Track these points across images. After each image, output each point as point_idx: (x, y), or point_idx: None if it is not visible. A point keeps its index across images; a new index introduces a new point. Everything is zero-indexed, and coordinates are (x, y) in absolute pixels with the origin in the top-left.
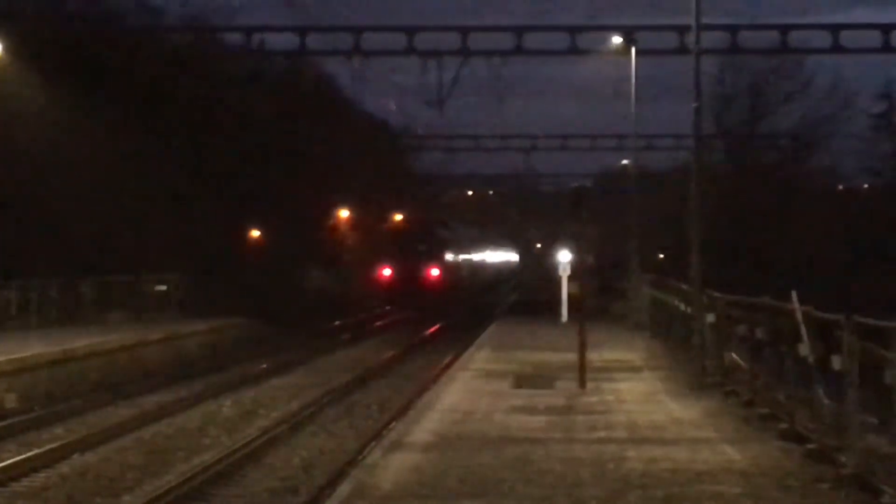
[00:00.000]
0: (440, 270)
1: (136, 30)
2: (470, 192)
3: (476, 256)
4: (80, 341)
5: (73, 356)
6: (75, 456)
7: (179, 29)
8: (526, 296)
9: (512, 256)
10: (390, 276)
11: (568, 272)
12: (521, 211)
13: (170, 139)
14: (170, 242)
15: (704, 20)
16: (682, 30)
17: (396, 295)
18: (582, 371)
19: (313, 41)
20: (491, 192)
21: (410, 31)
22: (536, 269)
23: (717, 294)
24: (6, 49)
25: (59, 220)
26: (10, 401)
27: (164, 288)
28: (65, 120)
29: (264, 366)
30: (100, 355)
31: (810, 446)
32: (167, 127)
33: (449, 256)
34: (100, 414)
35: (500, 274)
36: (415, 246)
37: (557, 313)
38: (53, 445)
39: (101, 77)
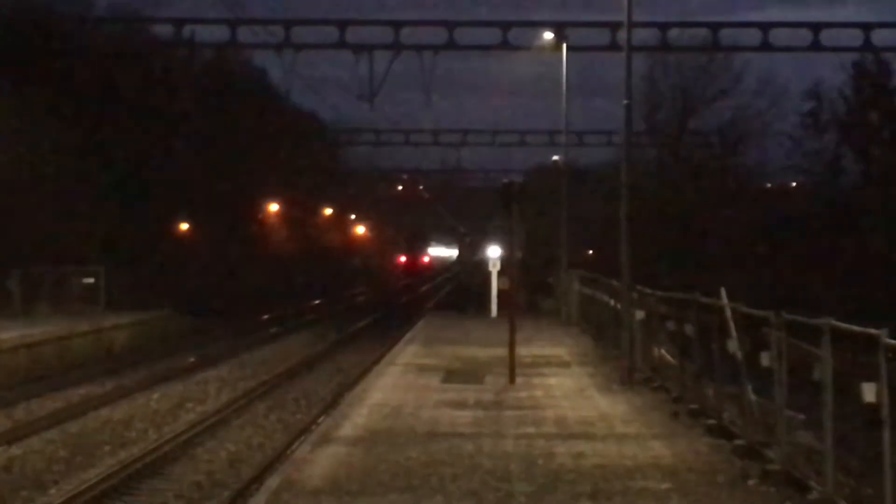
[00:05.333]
0: (429, 259)
1: (65, 20)
2: (400, 187)
3: (435, 251)
4: (6, 334)
5: None
6: (0, 449)
7: (109, 20)
8: (457, 290)
9: (454, 252)
10: (405, 261)
11: (498, 267)
12: (451, 206)
13: (97, 131)
14: (97, 235)
15: (635, 17)
16: (613, 26)
17: (407, 272)
18: (512, 366)
19: (244, 34)
20: (421, 188)
21: (342, 24)
22: (470, 264)
23: (646, 290)
24: None
25: None
26: None
27: (91, 281)
28: None
29: (192, 359)
30: (26, 348)
31: (738, 442)
32: (94, 119)
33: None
34: (26, 407)
35: (450, 263)
36: (415, 244)
37: (488, 308)
38: None
39: (30, 67)
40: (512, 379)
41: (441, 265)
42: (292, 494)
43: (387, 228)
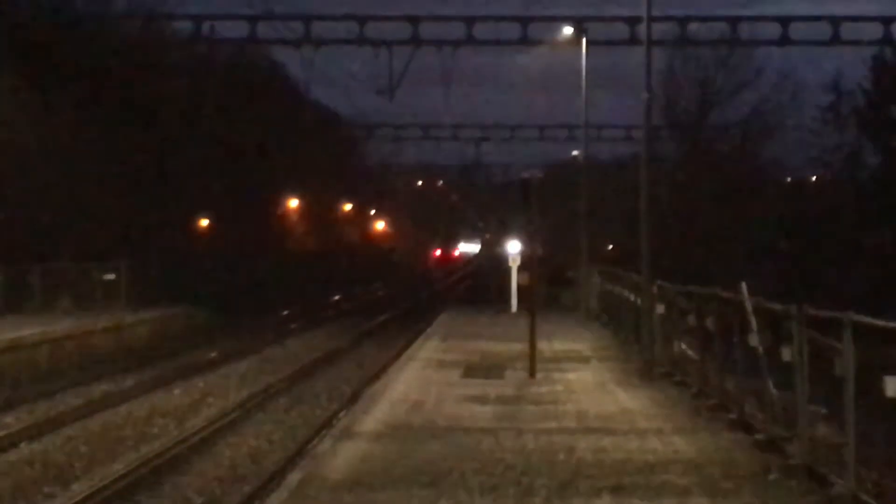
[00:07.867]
0: (460, 253)
1: (85, 17)
2: (420, 182)
3: (462, 247)
4: (28, 329)
5: (21, 344)
6: (23, 444)
7: (129, 16)
8: (477, 285)
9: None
10: (439, 255)
11: (518, 262)
12: (472, 202)
13: (118, 127)
14: (119, 231)
15: (654, 12)
16: (632, 21)
17: (440, 264)
18: (532, 361)
19: (263, 29)
20: (441, 183)
21: (361, 19)
22: (489, 259)
23: (666, 284)
24: None
25: (5, 207)
26: None
27: (112, 276)
28: (12, 106)
29: (213, 354)
30: (48, 344)
31: (759, 436)
32: (116, 115)
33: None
34: (48, 402)
35: (473, 256)
36: (447, 240)
37: (507, 303)
38: (1, 434)
39: (51, 64)
40: (532, 374)
41: (467, 259)
42: (314, 489)
43: (417, 226)
